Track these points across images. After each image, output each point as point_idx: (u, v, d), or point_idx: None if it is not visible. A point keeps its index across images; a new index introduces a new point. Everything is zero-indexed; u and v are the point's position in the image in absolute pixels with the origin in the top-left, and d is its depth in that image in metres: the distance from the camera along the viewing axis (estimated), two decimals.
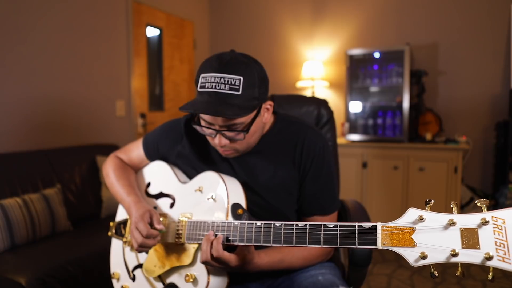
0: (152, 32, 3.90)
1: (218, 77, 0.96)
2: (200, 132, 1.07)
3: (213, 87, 0.96)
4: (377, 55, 3.55)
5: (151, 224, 1.08)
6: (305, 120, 1.25)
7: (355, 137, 3.54)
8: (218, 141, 1.03)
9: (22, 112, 2.64)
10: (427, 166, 3.22)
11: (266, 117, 1.10)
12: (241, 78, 0.97)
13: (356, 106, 3.65)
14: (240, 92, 0.96)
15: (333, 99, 4.03)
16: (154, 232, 1.06)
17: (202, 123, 1.04)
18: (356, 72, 3.61)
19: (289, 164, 1.13)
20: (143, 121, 3.72)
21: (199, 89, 0.99)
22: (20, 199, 2.19)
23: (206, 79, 0.98)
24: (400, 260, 2.90)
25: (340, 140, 3.56)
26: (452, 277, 2.60)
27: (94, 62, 3.17)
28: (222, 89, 0.96)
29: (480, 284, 2.51)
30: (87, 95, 3.12)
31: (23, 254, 2.03)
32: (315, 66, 3.94)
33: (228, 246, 0.96)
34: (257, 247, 1.01)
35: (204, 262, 0.96)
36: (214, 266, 0.96)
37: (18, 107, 2.62)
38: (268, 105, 1.10)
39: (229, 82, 0.96)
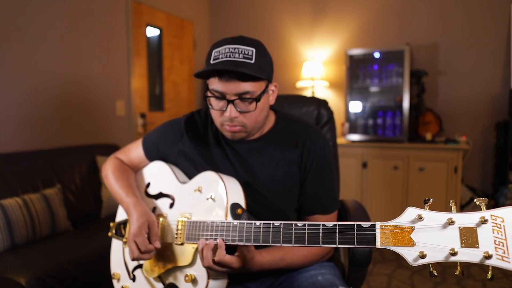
0: (152, 32, 3.90)
1: (232, 48, 0.99)
2: (210, 107, 1.07)
3: (227, 56, 0.99)
4: (377, 55, 3.55)
5: (148, 236, 1.09)
6: (306, 120, 1.25)
7: (355, 137, 3.54)
8: (229, 113, 1.02)
9: (22, 112, 2.65)
10: (427, 166, 3.22)
11: (271, 99, 1.12)
12: (254, 49, 1.01)
13: (356, 106, 3.65)
14: (253, 61, 0.99)
15: (333, 99, 4.03)
16: (151, 248, 1.07)
17: (214, 98, 1.05)
18: (356, 72, 3.61)
19: (290, 163, 1.14)
20: (143, 121, 3.72)
21: (212, 62, 1.01)
22: (20, 199, 2.19)
23: (219, 52, 1.01)
24: (400, 260, 2.90)
25: (340, 140, 3.56)
26: (452, 277, 2.60)
27: (94, 62, 3.17)
28: (236, 58, 0.98)
29: (480, 284, 2.51)
30: (87, 95, 3.12)
31: (23, 254, 2.03)
32: (315, 66, 3.94)
33: (228, 246, 0.96)
34: (258, 247, 1.01)
35: (207, 267, 0.97)
36: (217, 270, 0.96)
37: (18, 108, 2.62)
38: (274, 86, 1.12)
39: (243, 52, 0.99)
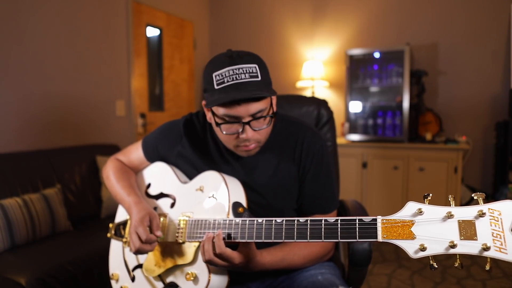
0: (152, 32, 3.91)
1: (235, 69, 0.97)
2: (220, 132, 1.06)
3: (233, 79, 0.97)
4: (377, 55, 3.55)
5: (150, 228, 1.08)
6: (304, 121, 1.26)
7: (355, 137, 3.54)
8: (246, 135, 1.01)
9: (22, 112, 2.65)
10: (427, 166, 3.22)
11: (274, 108, 1.12)
12: (256, 65, 0.99)
13: (356, 106, 3.65)
14: (260, 78, 0.98)
15: (333, 99, 4.03)
16: (153, 237, 1.06)
17: (226, 124, 1.02)
18: (356, 72, 3.62)
19: (289, 164, 1.14)
20: (143, 121, 3.72)
21: (217, 87, 0.98)
22: (20, 199, 2.19)
23: (222, 75, 0.98)
24: (400, 260, 2.90)
25: (340, 140, 3.56)
26: (452, 277, 2.59)
27: (94, 62, 3.18)
28: (244, 79, 0.97)
29: (480, 284, 2.51)
30: (87, 95, 3.13)
31: (23, 254, 2.03)
32: (315, 66, 3.95)
33: (230, 244, 0.96)
34: (259, 247, 1.02)
35: (208, 261, 0.96)
36: (218, 263, 0.96)
37: (18, 107, 2.62)
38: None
39: (248, 71, 0.98)
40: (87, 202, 2.72)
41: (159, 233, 1.07)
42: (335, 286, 1.04)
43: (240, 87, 0.96)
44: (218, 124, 1.04)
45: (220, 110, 1.00)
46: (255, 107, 0.98)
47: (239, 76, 0.96)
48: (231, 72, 0.97)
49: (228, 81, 0.97)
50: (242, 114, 0.98)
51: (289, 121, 1.20)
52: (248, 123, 1.00)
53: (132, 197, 1.17)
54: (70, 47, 2.96)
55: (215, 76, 0.98)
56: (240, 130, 1.01)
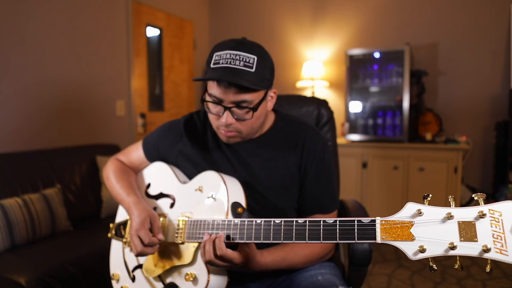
0: (152, 32, 3.90)
1: (233, 54, 0.98)
2: (207, 111, 1.08)
3: (228, 62, 0.98)
4: (377, 55, 3.55)
5: (151, 230, 1.09)
6: (305, 120, 1.25)
7: (355, 137, 3.54)
8: (225, 119, 1.02)
9: (22, 112, 2.65)
10: (427, 166, 3.22)
11: (269, 105, 1.12)
12: (256, 57, 1.00)
13: (356, 106, 3.65)
14: (253, 70, 0.99)
15: (333, 99, 4.03)
16: (155, 240, 1.07)
17: (211, 103, 1.05)
18: (356, 72, 3.61)
19: (290, 163, 1.14)
20: (143, 121, 3.72)
21: (212, 66, 1.00)
22: (20, 199, 2.19)
23: (220, 56, 0.99)
24: (400, 260, 2.90)
25: (340, 140, 3.56)
26: (452, 277, 2.59)
27: (94, 62, 3.17)
28: (237, 65, 0.98)
29: (480, 284, 2.51)
30: (87, 95, 3.13)
31: (23, 254, 2.03)
32: (315, 66, 3.94)
33: (229, 244, 0.96)
34: (260, 247, 1.02)
35: (208, 262, 0.96)
36: (219, 265, 0.96)
37: (18, 107, 2.62)
38: (273, 92, 1.12)
39: (244, 60, 0.98)
40: (87, 202, 2.71)
41: (160, 236, 1.08)
42: (335, 286, 1.04)
43: (228, 72, 0.97)
44: (204, 100, 1.06)
45: (210, 89, 1.02)
46: (239, 96, 0.99)
47: (233, 62, 0.98)
48: (228, 56, 0.98)
49: (222, 63, 0.98)
50: (224, 97, 1.00)
51: (290, 120, 1.20)
52: (229, 108, 1.02)
53: (131, 197, 1.17)
54: (70, 47, 2.96)
55: (215, 56, 1.01)
56: (221, 113, 1.03)
